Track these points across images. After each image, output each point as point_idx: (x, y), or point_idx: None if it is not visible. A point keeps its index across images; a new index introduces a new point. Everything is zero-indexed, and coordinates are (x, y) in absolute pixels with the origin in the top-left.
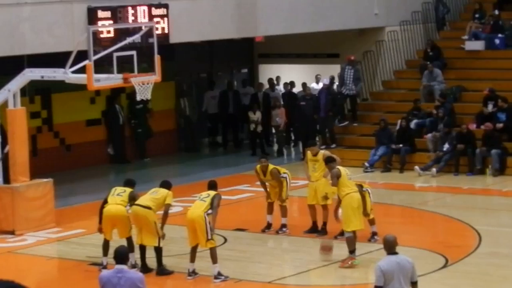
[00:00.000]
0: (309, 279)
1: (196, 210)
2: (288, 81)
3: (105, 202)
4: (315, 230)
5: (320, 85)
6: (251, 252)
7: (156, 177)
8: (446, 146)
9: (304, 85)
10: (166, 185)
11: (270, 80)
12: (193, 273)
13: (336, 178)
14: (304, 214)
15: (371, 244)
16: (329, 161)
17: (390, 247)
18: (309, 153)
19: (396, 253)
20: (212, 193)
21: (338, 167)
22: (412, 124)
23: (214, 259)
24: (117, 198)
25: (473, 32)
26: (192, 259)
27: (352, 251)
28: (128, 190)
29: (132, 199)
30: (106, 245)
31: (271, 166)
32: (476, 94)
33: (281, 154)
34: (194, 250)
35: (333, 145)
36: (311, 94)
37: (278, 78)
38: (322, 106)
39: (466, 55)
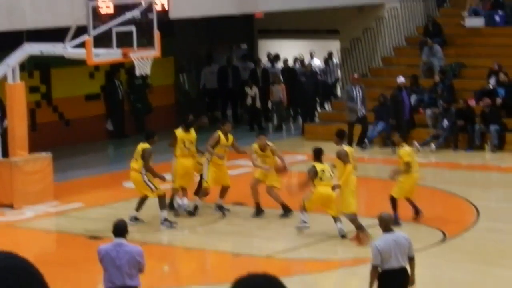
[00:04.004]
0: (306, 253)
1: None
2: (287, 57)
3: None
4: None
5: (316, 61)
6: (249, 226)
7: (155, 152)
8: (445, 122)
9: (300, 60)
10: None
11: (268, 56)
12: None
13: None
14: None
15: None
16: (340, 136)
17: (386, 225)
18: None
19: (392, 231)
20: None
21: (346, 149)
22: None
23: None
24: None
25: (473, 8)
26: None
27: (358, 227)
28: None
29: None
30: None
31: (231, 138)
32: (475, 71)
33: (280, 130)
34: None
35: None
36: (311, 71)
37: (277, 55)
38: (406, 107)
39: (466, 31)
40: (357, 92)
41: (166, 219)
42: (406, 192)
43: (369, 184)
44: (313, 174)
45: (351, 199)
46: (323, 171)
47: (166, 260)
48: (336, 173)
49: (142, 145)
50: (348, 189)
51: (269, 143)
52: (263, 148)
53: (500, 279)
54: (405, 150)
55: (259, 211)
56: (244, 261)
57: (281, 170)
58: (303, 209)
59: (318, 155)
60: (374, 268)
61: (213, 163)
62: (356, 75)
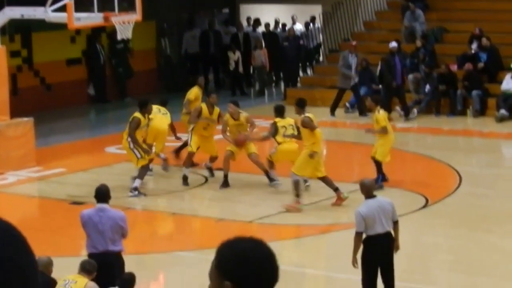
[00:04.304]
0: (288, 219)
1: None
2: (268, 22)
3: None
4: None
5: (298, 25)
6: (231, 192)
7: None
8: (427, 87)
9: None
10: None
11: (248, 20)
12: None
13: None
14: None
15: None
16: (301, 106)
17: (368, 191)
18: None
19: (374, 196)
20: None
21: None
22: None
23: None
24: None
25: None
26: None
27: (298, 195)
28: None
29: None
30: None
31: (217, 110)
32: (457, 35)
33: (262, 95)
34: None
35: (412, 115)
36: (294, 35)
37: (257, 20)
38: (398, 72)
39: None
40: (353, 60)
41: (136, 189)
42: (388, 154)
43: (350, 149)
44: (274, 131)
45: (308, 164)
46: (284, 127)
47: (149, 225)
48: (303, 142)
49: (135, 114)
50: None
51: (241, 111)
52: (235, 117)
53: (482, 243)
54: (381, 115)
55: (226, 183)
56: (227, 226)
57: (239, 142)
58: (271, 166)
59: (279, 111)
60: (358, 234)
61: (197, 135)
62: (354, 42)
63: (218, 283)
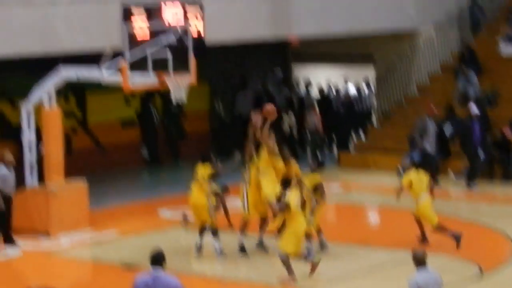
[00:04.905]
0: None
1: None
2: (322, 85)
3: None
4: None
5: (350, 87)
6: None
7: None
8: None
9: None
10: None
11: (297, 81)
12: None
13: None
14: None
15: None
16: (284, 186)
17: (420, 261)
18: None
19: (426, 267)
20: None
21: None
22: (446, 130)
23: None
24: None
25: (508, 35)
26: None
27: (289, 270)
28: None
29: None
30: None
31: None
32: (510, 99)
33: (315, 158)
34: None
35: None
36: (349, 98)
37: (308, 82)
38: (476, 140)
39: (501, 59)
40: (432, 125)
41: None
42: (433, 215)
43: (397, 215)
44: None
45: (291, 241)
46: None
47: None
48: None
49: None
50: (292, 231)
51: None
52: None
53: None
54: (406, 176)
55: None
56: None
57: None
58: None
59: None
60: None
61: (252, 193)
62: (433, 106)
63: None
